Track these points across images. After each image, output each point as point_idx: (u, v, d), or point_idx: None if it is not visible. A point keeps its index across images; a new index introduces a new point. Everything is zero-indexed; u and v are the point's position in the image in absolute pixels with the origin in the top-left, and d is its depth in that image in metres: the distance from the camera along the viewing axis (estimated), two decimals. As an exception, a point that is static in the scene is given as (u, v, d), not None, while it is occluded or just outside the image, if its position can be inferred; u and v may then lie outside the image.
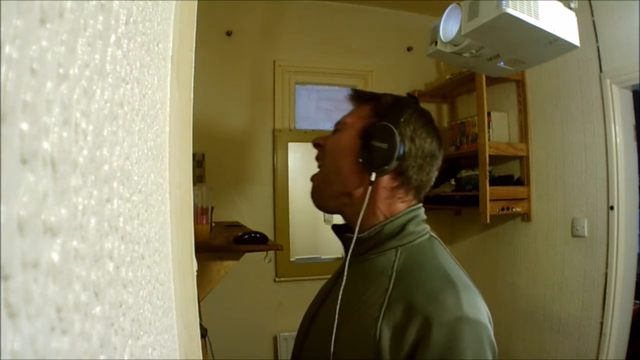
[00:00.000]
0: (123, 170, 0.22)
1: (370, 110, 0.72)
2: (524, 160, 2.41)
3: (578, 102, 2.10)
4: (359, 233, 0.68)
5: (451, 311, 0.57)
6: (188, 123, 0.38)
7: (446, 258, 0.67)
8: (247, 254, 1.36)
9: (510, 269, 2.48)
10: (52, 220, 0.14)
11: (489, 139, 2.33)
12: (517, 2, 0.94)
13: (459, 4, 1.09)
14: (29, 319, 0.13)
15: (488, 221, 2.26)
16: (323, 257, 3.20)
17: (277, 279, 2.60)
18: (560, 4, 1.04)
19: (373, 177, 0.66)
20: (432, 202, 2.60)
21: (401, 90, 3.00)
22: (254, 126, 2.63)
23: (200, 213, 1.27)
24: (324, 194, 0.74)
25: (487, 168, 2.27)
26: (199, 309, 0.47)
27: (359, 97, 0.76)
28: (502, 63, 1.19)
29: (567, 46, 1.06)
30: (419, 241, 0.68)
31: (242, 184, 2.59)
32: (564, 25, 1.03)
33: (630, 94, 1.98)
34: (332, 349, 0.62)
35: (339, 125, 0.75)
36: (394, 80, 2.85)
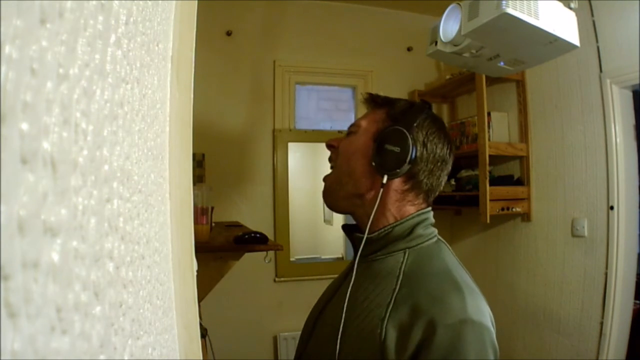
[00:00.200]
0: (123, 170, 0.22)
1: (384, 115, 0.73)
2: (524, 160, 2.41)
3: (578, 102, 2.10)
4: (368, 234, 0.69)
5: (456, 313, 0.58)
6: (188, 123, 0.38)
7: (452, 261, 0.68)
8: (247, 254, 1.36)
9: (510, 269, 2.48)
10: (52, 220, 0.14)
11: (489, 139, 2.33)
12: (517, 2, 0.94)
13: (459, 4, 1.09)
14: (29, 319, 0.13)
15: (488, 221, 2.26)
16: (323, 257, 3.21)
17: (277, 279, 2.60)
18: (560, 4, 1.04)
19: (385, 179, 0.68)
20: (432, 202, 2.59)
21: (401, 90, 3.00)
22: (254, 126, 2.63)
23: (200, 213, 1.27)
24: (336, 194, 0.76)
25: (487, 168, 2.27)
26: (199, 309, 0.47)
27: (373, 101, 0.77)
28: (502, 63, 1.19)
29: (567, 46, 1.06)
30: (426, 244, 0.70)
31: (242, 184, 2.59)
32: (564, 25, 1.03)
33: (630, 94, 1.98)
34: (337, 347, 0.63)
35: (353, 128, 0.76)
36: (394, 80, 2.85)
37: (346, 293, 0.66)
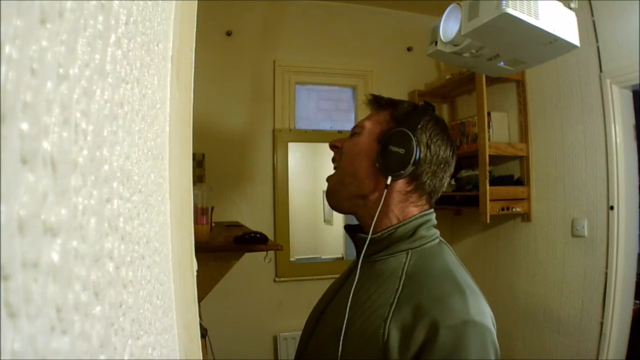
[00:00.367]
0: (123, 170, 0.22)
1: (388, 116, 0.74)
2: (524, 160, 2.41)
3: (578, 102, 2.10)
4: (371, 234, 0.69)
5: (458, 315, 0.58)
6: (188, 123, 0.38)
7: (454, 263, 0.69)
8: (247, 254, 1.36)
9: (510, 269, 2.48)
10: (52, 220, 0.14)
11: (489, 139, 2.33)
12: (517, 2, 0.94)
13: (459, 4, 1.09)
14: (29, 319, 0.13)
15: (488, 221, 2.26)
16: (323, 257, 3.21)
17: (277, 279, 2.60)
18: (560, 4, 1.04)
19: (389, 180, 0.68)
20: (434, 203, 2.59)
21: (401, 90, 3.00)
22: (254, 126, 2.63)
23: (200, 213, 1.27)
24: (339, 195, 0.76)
25: (487, 168, 2.27)
26: (199, 309, 0.47)
27: (377, 102, 0.78)
28: (502, 63, 1.19)
29: (567, 46, 1.06)
30: (429, 245, 0.70)
31: (242, 184, 2.59)
32: (564, 25, 1.03)
33: (630, 94, 1.98)
34: (340, 347, 0.63)
35: (357, 129, 0.77)
36: (394, 80, 2.85)
37: (348, 293, 0.67)
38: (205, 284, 1.26)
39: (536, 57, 1.16)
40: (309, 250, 3.45)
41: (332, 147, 0.80)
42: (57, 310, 0.15)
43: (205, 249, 1.23)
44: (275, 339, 2.58)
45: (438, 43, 1.17)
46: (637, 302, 2.09)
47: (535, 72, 2.27)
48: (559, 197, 2.20)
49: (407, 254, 0.68)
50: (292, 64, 2.70)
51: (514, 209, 2.32)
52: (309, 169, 3.81)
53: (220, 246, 1.31)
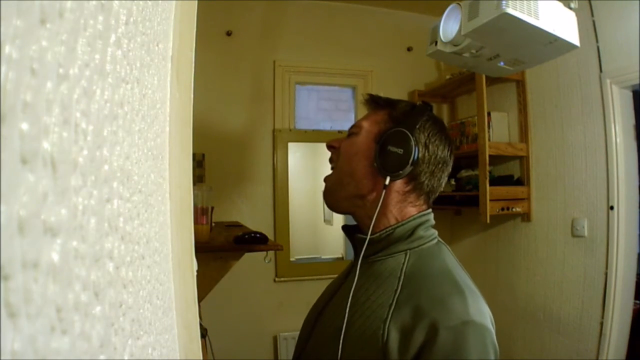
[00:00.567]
0: (123, 170, 0.22)
1: (386, 116, 0.74)
2: (524, 160, 2.41)
3: (578, 102, 2.10)
4: (370, 235, 0.69)
5: (458, 315, 0.58)
6: (188, 123, 0.38)
7: (453, 263, 0.69)
8: (247, 254, 1.36)
9: (510, 269, 2.48)
10: (52, 220, 0.14)
11: (489, 139, 2.33)
12: (517, 2, 0.94)
13: (459, 4, 1.09)
14: (29, 319, 0.13)
15: (488, 221, 2.26)
16: (323, 257, 3.21)
17: (277, 279, 2.60)
18: (560, 4, 1.04)
19: (387, 180, 0.68)
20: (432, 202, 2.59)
21: (401, 90, 3.00)
22: (254, 126, 2.63)
23: (200, 213, 1.27)
24: (336, 195, 0.76)
25: (487, 168, 2.27)
26: (199, 309, 0.47)
27: (374, 102, 0.77)
28: (502, 63, 1.19)
29: (567, 46, 1.06)
30: (427, 245, 0.70)
31: (242, 184, 2.59)
32: (564, 25, 1.03)
33: (630, 94, 1.98)
34: (340, 348, 0.63)
35: (355, 129, 0.76)
36: (394, 80, 2.85)
37: (347, 293, 0.66)
38: (205, 284, 1.26)
39: (536, 57, 1.16)
40: (309, 250, 3.45)
41: (329, 147, 0.79)
42: (57, 310, 0.15)
43: (205, 249, 1.23)
44: (275, 339, 2.58)
45: (438, 43, 1.17)
46: (637, 302, 2.09)
47: (535, 72, 2.27)
48: (559, 197, 2.20)
49: (406, 254, 0.68)
50: (292, 64, 2.70)
51: (514, 209, 2.32)
52: (309, 169, 3.81)
53: (220, 246, 1.31)
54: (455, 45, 1.13)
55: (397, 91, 2.80)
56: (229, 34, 2.59)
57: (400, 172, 0.67)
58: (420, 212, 0.72)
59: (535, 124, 2.37)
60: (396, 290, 0.64)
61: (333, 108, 2.91)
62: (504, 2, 0.93)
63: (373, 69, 2.85)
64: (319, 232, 3.98)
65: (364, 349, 0.62)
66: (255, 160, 2.62)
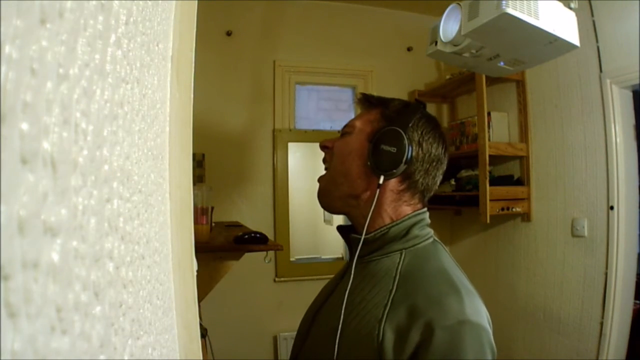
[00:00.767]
0: (123, 170, 0.22)
1: (378, 115, 0.73)
2: (524, 160, 2.41)
3: (578, 102, 2.10)
4: (364, 234, 0.69)
5: (454, 315, 0.58)
6: (188, 123, 0.38)
7: (449, 262, 0.68)
8: (247, 254, 1.36)
9: (510, 269, 2.48)
10: (52, 220, 0.14)
11: (489, 139, 2.33)
12: (517, 2, 0.94)
13: (459, 4, 1.09)
14: (29, 319, 0.13)
15: (488, 221, 2.26)
16: (323, 257, 3.21)
17: (277, 279, 2.60)
18: (560, 4, 1.04)
19: (381, 180, 0.67)
20: (432, 202, 2.56)
21: (401, 90, 3.00)
22: (254, 126, 2.63)
23: (200, 213, 1.27)
24: (330, 195, 0.75)
25: (487, 168, 2.27)
26: (199, 309, 0.47)
27: (367, 101, 0.77)
28: (502, 63, 1.19)
29: (567, 46, 1.06)
30: (422, 245, 0.69)
31: (242, 184, 2.59)
32: (564, 25, 1.03)
33: (630, 94, 1.98)
34: (336, 349, 0.63)
35: (348, 129, 0.76)
36: (394, 80, 2.85)
37: (343, 294, 0.66)
38: (205, 284, 1.26)
39: (536, 57, 1.16)
40: (309, 250, 3.45)
41: (322, 147, 0.79)
42: (57, 310, 0.15)
43: (205, 249, 1.23)
44: (275, 339, 2.58)
45: (438, 43, 1.17)
46: (637, 302, 2.09)
47: (535, 72, 2.27)
48: (559, 197, 2.20)
49: (401, 254, 0.68)
50: (292, 64, 2.70)
51: (514, 209, 2.32)
52: (309, 169, 3.81)
53: (220, 246, 1.31)
54: (455, 45, 1.13)
55: (397, 91, 2.80)
56: (229, 34, 2.59)
57: (394, 170, 0.67)
58: (415, 211, 0.71)
59: (535, 124, 2.37)
60: (391, 290, 0.63)
61: (333, 108, 2.91)
62: (504, 2, 0.93)
63: (373, 69, 2.85)
64: (319, 232, 3.97)
65: (359, 349, 0.61)
66: (255, 160, 2.62)
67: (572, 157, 2.13)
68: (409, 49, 2.91)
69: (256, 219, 2.53)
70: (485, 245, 2.68)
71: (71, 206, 0.16)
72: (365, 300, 0.65)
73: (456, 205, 2.60)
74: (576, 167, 2.11)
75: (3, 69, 0.12)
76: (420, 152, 0.69)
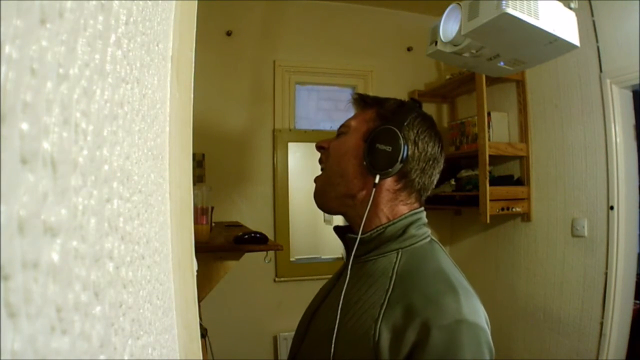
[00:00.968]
0: (123, 170, 0.22)
1: (374, 114, 0.73)
2: (524, 160, 2.41)
3: (578, 102, 2.10)
4: (361, 234, 0.68)
5: (451, 314, 0.57)
6: (188, 123, 0.38)
7: (446, 262, 0.68)
8: (247, 254, 1.36)
9: (510, 269, 2.48)
10: (52, 220, 0.14)
11: (489, 139, 2.33)
12: (517, 2, 0.94)
13: (459, 4, 1.09)
14: (29, 319, 0.13)
15: (488, 221, 2.26)
16: (323, 257, 3.20)
17: (277, 279, 2.60)
18: (560, 4, 1.04)
19: (377, 179, 0.67)
20: (432, 202, 2.60)
21: (401, 90, 3.00)
22: (254, 126, 2.63)
23: (200, 213, 1.27)
24: (327, 196, 0.75)
25: (487, 168, 2.27)
26: (199, 309, 0.47)
27: (363, 100, 0.77)
28: (502, 63, 1.19)
29: (567, 46, 1.06)
30: (419, 244, 0.69)
31: (242, 184, 2.59)
32: (564, 25, 1.03)
33: (630, 94, 1.98)
34: (332, 349, 0.63)
35: (343, 129, 0.76)
36: (394, 80, 2.85)
37: (340, 294, 0.66)
38: (205, 284, 1.26)
39: (536, 57, 1.16)
40: (309, 250, 3.44)
41: (318, 148, 0.78)
42: (57, 310, 0.15)
43: (205, 249, 1.23)
44: (275, 339, 2.58)
45: (438, 43, 1.17)
46: (637, 302, 2.09)
47: (535, 72, 2.27)
48: (559, 197, 2.20)
49: (398, 253, 0.67)
50: (292, 64, 2.70)
51: (514, 209, 2.32)
52: (309, 169, 3.80)
53: (220, 246, 1.31)
54: (455, 45, 1.13)
55: (397, 91, 2.80)
56: (229, 34, 2.59)
57: (390, 169, 0.67)
58: (411, 210, 0.71)
59: (535, 124, 2.37)
60: (388, 289, 0.63)
61: (333, 108, 2.91)
62: (504, 2, 0.93)
63: (373, 69, 2.85)
64: (319, 232, 3.97)
65: (356, 349, 0.61)
66: (255, 160, 2.62)
67: (572, 157, 2.13)
68: (409, 49, 2.91)
69: (256, 219, 2.53)
70: (485, 245, 2.68)
71: (71, 206, 0.16)
72: (362, 300, 0.64)
73: (456, 205, 2.60)
74: (576, 167, 2.11)
75: (3, 69, 0.12)
76: (416, 151, 0.69)
